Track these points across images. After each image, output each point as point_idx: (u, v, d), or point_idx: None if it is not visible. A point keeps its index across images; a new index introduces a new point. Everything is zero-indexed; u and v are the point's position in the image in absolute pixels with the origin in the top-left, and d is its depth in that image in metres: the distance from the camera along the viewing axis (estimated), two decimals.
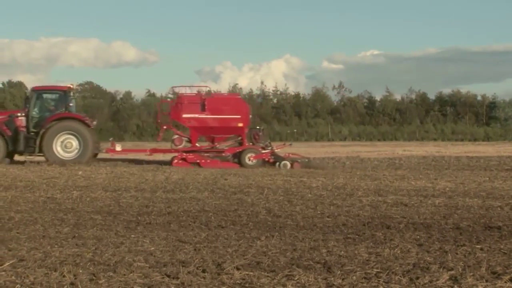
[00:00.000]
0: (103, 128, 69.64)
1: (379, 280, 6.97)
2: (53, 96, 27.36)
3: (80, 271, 7.39)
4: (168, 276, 7.18)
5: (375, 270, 7.37)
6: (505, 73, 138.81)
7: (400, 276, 7.07)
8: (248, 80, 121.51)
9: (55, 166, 24.44)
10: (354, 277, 7.09)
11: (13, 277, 7.14)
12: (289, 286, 6.78)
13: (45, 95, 27.32)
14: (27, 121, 26.14)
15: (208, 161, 25.83)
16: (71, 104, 26.87)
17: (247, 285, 6.86)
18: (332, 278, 7.03)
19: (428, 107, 77.84)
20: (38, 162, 24.80)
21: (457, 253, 8.34)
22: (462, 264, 7.63)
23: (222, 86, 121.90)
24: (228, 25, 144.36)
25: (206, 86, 28.54)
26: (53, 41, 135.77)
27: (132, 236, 9.76)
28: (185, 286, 6.84)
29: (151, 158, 28.50)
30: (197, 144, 26.99)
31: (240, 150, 26.26)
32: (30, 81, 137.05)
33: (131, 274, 7.24)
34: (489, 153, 35.79)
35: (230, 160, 26.22)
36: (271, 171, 22.02)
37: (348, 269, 7.43)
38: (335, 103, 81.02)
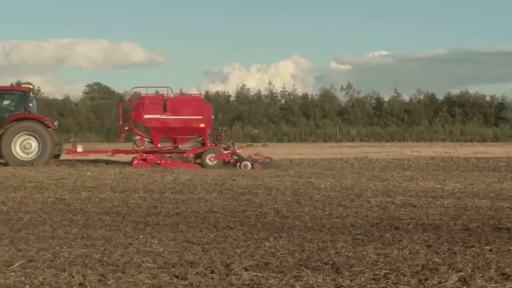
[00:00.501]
0: (111, 129, 69.85)
1: (387, 281, 6.96)
2: (13, 97, 27.19)
3: (89, 271, 7.42)
4: (177, 277, 7.19)
5: (384, 271, 7.36)
6: None
7: (409, 277, 7.05)
8: (256, 81, 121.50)
9: (64, 167, 24.54)
10: (363, 278, 7.08)
11: (22, 278, 7.17)
12: (298, 287, 6.77)
13: (4, 96, 27.21)
14: None
15: (169, 161, 25.94)
16: (30, 105, 26.75)
17: (255, 286, 6.86)
18: (341, 279, 7.02)
19: (437, 107, 77.57)
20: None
21: (466, 254, 8.31)
22: (471, 265, 7.61)
23: (230, 87, 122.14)
24: (236, 26, 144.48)
25: (168, 87, 28.56)
26: (62, 42, 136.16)
27: (141, 236, 9.78)
28: (193, 287, 6.85)
29: (112, 158, 28.43)
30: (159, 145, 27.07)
31: (201, 150, 26.39)
32: (39, 82, 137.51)
33: (140, 274, 7.25)
34: (498, 154, 35.66)
35: (191, 160, 26.37)
36: (279, 172, 22.00)
37: (356, 270, 7.42)
38: (343, 103, 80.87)
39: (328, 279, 7.04)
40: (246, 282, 6.96)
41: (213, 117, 28.84)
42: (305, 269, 7.46)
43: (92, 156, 28.95)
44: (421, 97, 79.63)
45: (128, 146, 28.31)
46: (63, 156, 27.59)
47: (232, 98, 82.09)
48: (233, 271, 7.38)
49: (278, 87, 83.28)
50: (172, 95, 28.24)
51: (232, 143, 27.89)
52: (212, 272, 7.39)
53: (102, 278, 7.14)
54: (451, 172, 21.91)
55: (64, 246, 9.01)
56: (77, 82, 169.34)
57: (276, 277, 7.14)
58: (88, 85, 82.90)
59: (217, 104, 78.80)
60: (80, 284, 6.95)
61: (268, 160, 26.84)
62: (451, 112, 76.60)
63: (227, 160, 26.10)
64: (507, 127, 73.33)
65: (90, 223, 11.17)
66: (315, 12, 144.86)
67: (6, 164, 25.11)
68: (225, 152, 26.30)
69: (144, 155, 26.20)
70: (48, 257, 8.25)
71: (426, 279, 6.99)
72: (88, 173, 21.42)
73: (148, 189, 16.56)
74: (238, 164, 25.49)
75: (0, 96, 27.00)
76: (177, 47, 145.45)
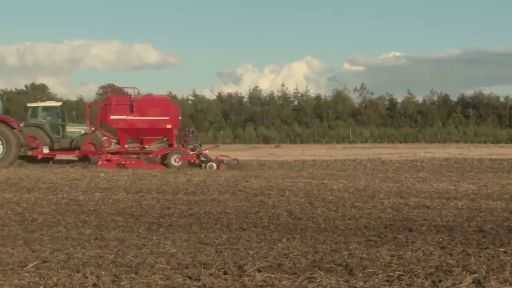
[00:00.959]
0: None
1: (401, 283, 6.94)
2: None
3: (103, 272, 7.45)
4: (190, 278, 7.20)
5: (397, 272, 7.33)
6: None
7: (423, 279, 7.03)
8: (269, 82, 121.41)
9: (78, 168, 24.67)
10: (376, 279, 7.06)
11: (36, 278, 7.21)
12: None
13: None
14: None
15: (134, 162, 26.02)
16: None
17: (268, 287, 6.86)
18: (354, 281, 7.01)
19: (450, 109, 77.24)
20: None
21: (480, 256, 8.27)
22: (485, 267, 7.57)
23: (243, 88, 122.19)
24: (249, 27, 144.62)
25: (135, 88, 28.63)
26: (76, 44, 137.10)
27: (154, 238, 9.81)
28: None
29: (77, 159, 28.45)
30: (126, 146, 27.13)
31: (167, 151, 26.40)
32: (53, 84, 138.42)
33: (153, 275, 7.27)
34: None
35: (157, 161, 26.39)
36: (292, 174, 21.99)
37: (370, 271, 7.40)
38: (356, 105, 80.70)
39: (341, 281, 7.02)
40: (259, 283, 6.96)
41: (180, 118, 28.95)
42: (318, 270, 7.45)
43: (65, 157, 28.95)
44: (435, 98, 79.34)
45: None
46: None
47: (245, 100, 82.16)
48: (246, 272, 7.38)
49: (291, 88, 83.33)
50: (139, 96, 28.37)
51: (200, 144, 28.05)
52: (225, 273, 7.40)
53: (116, 279, 7.17)
54: (465, 174, 21.80)
55: (78, 247, 9.05)
56: (90, 83, 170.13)
57: (289, 278, 7.13)
58: (102, 87, 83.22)
59: (230, 105, 79.00)
60: (94, 285, 6.98)
61: (235, 161, 26.96)
62: (465, 113, 76.24)
63: (192, 160, 26.21)
64: None
65: (104, 224, 11.21)
66: (328, 13, 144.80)
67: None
68: (191, 153, 26.40)
69: (109, 155, 26.25)
70: (62, 258, 8.29)
71: (440, 281, 6.96)
72: (102, 174, 21.51)
73: (161, 190, 16.60)
74: (204, 165, 25.62)
75: None
76: (190, 49, 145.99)
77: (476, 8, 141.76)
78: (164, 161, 26.26)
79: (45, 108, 31.88)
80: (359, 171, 23.29)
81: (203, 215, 12.22)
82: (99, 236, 9.97)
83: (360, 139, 70.37)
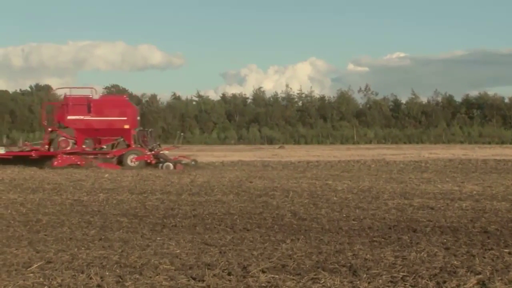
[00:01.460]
0: None
1: (405, 284, 6.93)
2: None
3: (107, 273, 7.46)
4: (194, 278, 7.21)
5: (402, 273, 7.33)
6: None
7: (427, 280, 7.02)
8: (273, 82, 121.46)
9: (82, 169, 24.71)
10: (380, 280, 7.06)
11: (41, 279, 7.22)
12: None
13: None
14: None
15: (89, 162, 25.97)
16: None
17: None
18: (358, 282, 7.00)
19: (455, 109, 77.11)
20: None
21: (484, 257, 8.25)
22: (490, 268, 7.55)
23: (247, 89, 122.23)
24: (253, 28, 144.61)
25: (92, 88, 28.60)
26: (80, 45, 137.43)
27: (158, 238, 9.82)
28: None
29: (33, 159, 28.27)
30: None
31: (123, 151, 26.44)
32: (58, 84, 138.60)
33: (157, 276, 7.28)
34: None
35: (114, 161, 26.41)
36: (296, 174, 21.98)
37: (374, 272, 7.40)
38: (361, 105, 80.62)
39: (346, 282, 7.02)
40: (263, 284, 6.96)
41: (138, 118, 28.95)
42: (322, 271, 7.45)
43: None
44: (439, 99, 79.20)
45: None
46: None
47: (249, 100, 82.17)
48: (250, 273, 7.39)
49: (295, 89, 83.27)
50: (97, 96, 28.35)
51: (159, 144, 28.03)
52: (229, 274, 7.40)
53: (120, 280, 7.18)
54: (469, 174, 21.77)
55: (82, 248, 9.07)
56: (95, 84, 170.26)
57: (293, 279, 7.13)
58: (106, 87, 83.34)
59: (234, 106, 79.00)
60: (98, 285, 6.99)
61: (193, 162, 27.01)
62: (469, 114, 76.11)
63: (148, 161, 26.24)
64: None
65: (108, 225, 11.23)
66: (332, 14, 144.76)
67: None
68: (147, 153, 26.44)
69: (64, 156, 26.21)
70: (66, 259, 8.30)
71: (444, 282, 6.95)
72: (106, 175, 21.55)
73: (165, 191, 16.61)
74: (161, 165, 25.68)
75: None
76: (194, 50, 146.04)
77: (481, 9, 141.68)
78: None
79: None
80: (363, 172, 23.27)
81: (207, 216, 12.23)
82: (103, 237, 9.98)
83: (364, 140, 70.30)
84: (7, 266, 7.93)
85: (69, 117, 26.81)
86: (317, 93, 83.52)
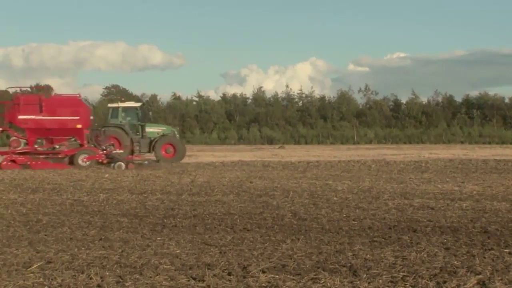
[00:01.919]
0: None
1: (405, 284, 6.93)
2: None
3: (107, 273, 7.46)
4: (194, 279, 7.21)
5: (402, 273, 7.33)
6: None
7: (427, 280, 7.02)
8: (273, 83, 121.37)
9: (82, 169, 24.72)
10: (380, 280, 7.06)
11: (41, 279, 7.23)
12: None
13: None
14: None
15: (39, 162, 25.97)
16: None
17: None
18: (358, 282, 7.00)
19: (455, 109, 77.09)
20: None
21: (484, 257, 8.26)
22: (490, 268, 7.55)
23: (248, 89, 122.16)
24: (254, 28, 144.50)
25: (43, 87, 28.67)
26: (81, 45, 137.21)
27: (158, 238, 9.82)
28: None
29: None
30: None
31: (75, 151, 26.48)
32: (58, 85, 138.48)
33: (157, 276, 7.28)
34: None
35: (65, 161, 26.42)
36: (296, 174, 21.98)
37: (374, 272, 7.40)
38: (361, 106, 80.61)
39: (346, 282, 7.02)
40: (263, 284, 6.97)
41: (92, 117, 29.00)
42: (322, 271, 7.45)
43: None
44: (439, 99, 79.19)
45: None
46: None
47: (249, 100, 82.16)
48: (250, 273, 7.39)
49: (295, 89, 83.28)
50: (49, 96, 28.31)
51: (112, 144, 28.10)
52: (229, 274, 7.40)
53: (120, 280, 7.18)
54: (469, 175, 21.77)
55: (82, 248, 9.07)
56: (95, 84, 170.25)
57: (293, 279, 7.13)
58: (106, 88, 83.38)
59: (235, 106, 78.99)
60: (98, 285, 7.00)
61: (146, 162, 27.12)
62: (470, 114, 76.09)
63: (100, 160, 26.29)
64: None
65: (108, 225, 11.23)
66: (333, 14, 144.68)
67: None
68: (100, 152, 26.50)
69: (14, 156, 26.21)
70: (66, 259, 8.30)
71: (445, 282, 6.95)
72: (106, 175, 21.55)
73: (165, 191, 16.61)
74: (113, 164, 25.74)
75: None
76: (195, 50, 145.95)
77: (481, 9, 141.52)
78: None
79: (125, 109, 32.15)
80: (363, 172, 23.28)
81: (207, 216, 12.23)
82: (103, 237, 9.98)
83: (365, 140, 70.29)
84: (7, 266, 7.93)
85: (20, 117, 26.76)
86: (317, 93, 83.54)
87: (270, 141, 68.86)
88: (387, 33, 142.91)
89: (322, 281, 7.02)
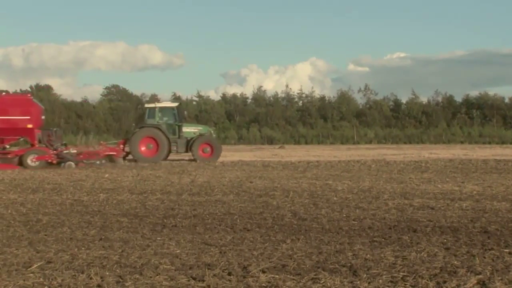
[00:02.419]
0: (129, 131, 70.15)
1: (405, 284, 6.93)
2: None
3: (107, 273, 7.46)
4: (194, 278, 7.21)
5: (402, 273, 7.33)
6: None
7: (427, 280, 7.02)
8: (273, 83, 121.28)
9: (82, 169, 24.72)
10: (380, 280, 7.06)
11: (41, 279, 7.23)
12: None
13: None
14: None
15: None
16: None
17: None
18: (358, 282, 7.00)
19: (455, 110, 77.05)
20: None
21: (485, 257, 8.26)
22: (490, 268, 7.56)
23: (248, 89, 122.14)
24: (254, 28, 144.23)
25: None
26: (81, 45, 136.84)
27: (158, 238, 9.82)
28: None
29: None
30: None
31: (25, 151, 26.55)
32: (58, 85, 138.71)
33: (157, 276, 7.28)
34: None
35: (14, 161, 26.41)
36: (296, 174, 21.98)
37: (374, 272, 7.40)
38: (361, 106, 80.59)
39: (346, 282, 7.02)
40: (263, 284, 6.97)
41: (43, 117, 29.02)
42: (322, 271, 7.45)
43: None
44: (439, 99, 79.17)
45: None
46: None
47: (249, 100, 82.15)
48: (250, 273, 7.39)
49: (295, 89, 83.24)
50: None
51: (65, 144, 28.11)
52: (229, 274, 7.41)
53: (120, 280, 7.18)
54: (469, 175, 21.76)
55: (82, 248, 9.07)
56: (95, 84, 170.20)
57: (293, 279, 7.13)
58: (106, 87, 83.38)
59: (234, 106, 78.98)
60: (98, 285, 7.00)
61: (98, 162, 27.21)
62: (470, 114, 76.07)
63: (49, 160, 26.30)
64: None
65: (108, 225, 11.23)
66: (333, 14, 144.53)
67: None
68: (51, 152, 26.57)
69: None
70: (66, 259, 8.31)
71: (445, 282, 6.95)
72: (106, 175, 21.55)
73: (165, 191, 16.61)
74: (63, 164, 25.84)
75: None
76: (195, 50, 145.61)
77: (481, 9, 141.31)
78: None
79: (162, 109, 32.24)
80: (363, 172, 23.27)
81: (207, 216, 12.23)
82: (103, 237, 9.99)
83: (365, 140, 70.26)
84: (7, 266, 7.94)
85: None
86: (317, 93, 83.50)
87: (270, 141, 68.84)
88: (387, 33, 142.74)
89: (322, 281, 7.02)
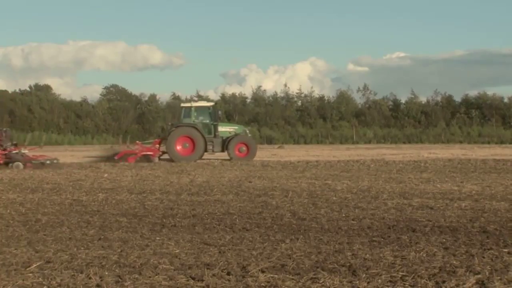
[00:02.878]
0: (128, 131, 70.15)
1: (404, 284, 6.93)
2: None
3: (106, 273, 7.46)
4: (193, 278, 7.21)
5: (401, 273, 7.33)
6: None
7: (426, 280, 7.02)
8: (273, 82, 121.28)
9: (82, 168, 24.70)
10: (380, 280, 7.06)
11: (40, 279, 7.23)
12: None
13: None
14: None
15: None
16: None
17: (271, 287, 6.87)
18: (357, 281, 7.01)
19: (454, 109, 77.08)
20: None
21: (484, 257, 8.26)
22: (489, 268, 7.56)
23: (247, 89, 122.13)
24: (253, 28, 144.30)
25: None
26: (81, 45, 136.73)
27: (157, 238, 9.82)
28: None
29: None
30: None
31: None
32: (58, 84, 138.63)
33: (156, 276, 7.28)
34: None
35: None
36: (296, 174, 21.98)
37: (373, 272, 7.40)
38: (360, 105, 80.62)
39: (345, 281, 7.02)
40: (263, 284, 6.97)
41: None
42: (321, 271, 7.45)
43: None
44: (438, 98, 79.20)
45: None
46: None
47: (248, 100, 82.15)
48: (249, 273, 7.39)
49: (295, 89, 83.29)
50: None
51: (15, 144, 28.18)
52: (228, 273, 7.41)
53: (119, 280, 7.18)
54: (468, 174, 21.77)
55: (82, 248, 9.07)
56: (95, 84, 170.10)
57: (292, 279, 7.13)
58: (106, 87, 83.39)
59: (234, 106, 78.99)
60: (97, 285, 7.00)
61: (48, 161, 27.07)
62: (469, 114, 76.10)
63: None
64: None
65: (107, 225, 11.23)
66: (332, 13, 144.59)
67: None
68: (2, 152, 26.63)
69: None
70: (65, 259, 8.30)
71: (444, 282, 6.95)
72: (105, 175, 21.54)
73: (164, 191, 16.61)
74: (11, 164, 25.90)
75: None
76: (195, 50, 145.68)
77: (481, 9, 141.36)
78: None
79: (198, 108, 32.33)
80: (362, 172, 23.27)
81: (206, 215, 12.23)
82: (102, 237, 9.99)
83: (364, 140, 70.27)
84: (6, 266, 7.94)
85: None
86: (316, 93, 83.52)
87: (269, 141, 68.86)
88: (386, 33, 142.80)
89: (321, 281, 7.02)
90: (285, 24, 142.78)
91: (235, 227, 10.91)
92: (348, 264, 7.85)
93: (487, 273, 7.32)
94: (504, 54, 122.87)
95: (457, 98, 79.27)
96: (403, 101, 79.83)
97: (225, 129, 32.28)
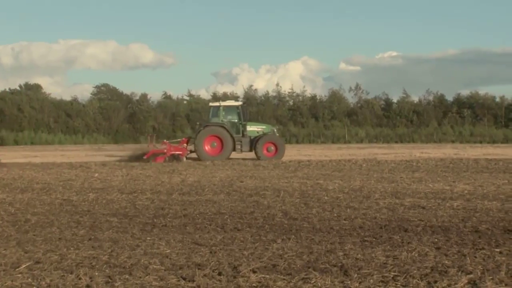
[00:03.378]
0: (119, 130, 69.98)
1: (396, 284, 6.91)
2: None
3: (96, 273, 7.41)
4: (184, 279, 7.17)
5: (393, 273, 7.31)
6: None
7: (418, 280, 7.00)
8: (265, 82, 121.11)
9: (72, 168, 24.60)
10: (371, 280, 7.03)
11: (29, 279, 7.17)
12: None
13: None
14: None
15: None
16: None
17: None
18: (349, 281, 6.98)
19: (446, 109, 77.25)
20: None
21: (475, 257, 8.25)
22: (481, 268, 7.55)
23: (239, 88, 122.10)
24: (245, 27, 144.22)
25: None
26: (71, 44, 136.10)
27: (148, 238, 9.77)
28: None
29: None
30: None
31: None
32: (48, 83, 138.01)
33: (147, 276, 7.24)
34: (508, 155, 35.43)
35: None
36: (287, 174, 21.96)
37: (365, 272, 7.37)
38: (352, 105, 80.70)
39: (337, 281, 6.99)
40: (254, 284, 6.93)
41: None
42: (313, 271, 7.42)
43: None
44: (430, 98, 79.37)
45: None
46: None
47: (240, 99, 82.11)
48: (240, 273, 7.35)
49: (286, 88, 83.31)
50: None
51: None
52: (219, 274, 7.37)
53: (109, 280, 7.13)
54: (460, 174, 21.80)
55: (71, 248, 9.01)
56: (85, 83, 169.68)
57: (284, 279, 7.10)
58: (96, 86, 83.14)
59: None
60: (87, 286, 6.94)
61: None
62: (461, 114, 76.32)
63: None
64: None
65: (98, 225, 11.17)
66: (324, 13, 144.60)
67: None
68: None
69: None
70: (55, 259, 8.24)
71: (435, 282, 6.93)
72: (96, 175, 21.45)
73: (155, 190, 16.55)
74: None
75: None
76: (186, 49, 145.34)
77: (473, 8, 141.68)
78: None
79: (226, 108, 32.24)
80: (354, 172, 23.27)
81: (197, 215, 12.18)
82: (92, 237, 9.93)
83: (356, 139, 70.32)
84: None
85: None
86: (308, 92, 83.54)
87: None
88: (379, 32, 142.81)
89: (313, 281, 6.99)
90: (277, 23, 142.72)
91: (227, 227, 10.86)
92: (339, 264, 7.83)
93: (479, 273, 7.31)
94: (497, 53, 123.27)
95: (449, 98, 79.52)
96: (395, 100, 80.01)
97: (253, 128, 32.24)
